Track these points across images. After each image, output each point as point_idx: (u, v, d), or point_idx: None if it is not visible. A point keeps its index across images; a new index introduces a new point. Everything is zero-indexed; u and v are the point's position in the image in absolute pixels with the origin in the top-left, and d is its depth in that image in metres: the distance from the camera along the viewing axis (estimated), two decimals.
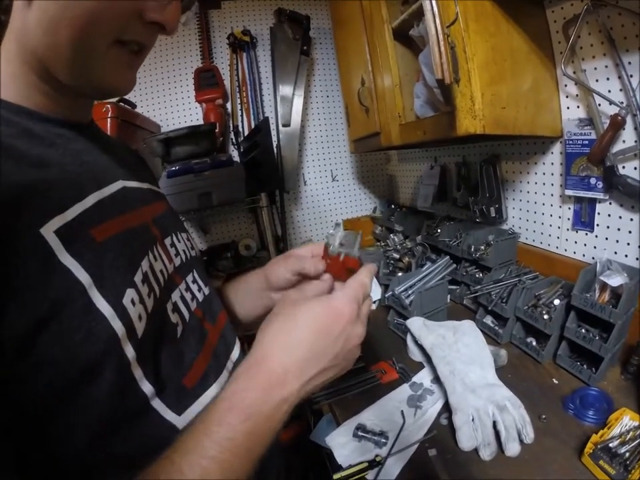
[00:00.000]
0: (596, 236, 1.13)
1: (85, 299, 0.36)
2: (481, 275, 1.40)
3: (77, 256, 0.37)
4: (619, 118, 0.94)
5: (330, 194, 2.48)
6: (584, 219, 1.14)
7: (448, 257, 1.48)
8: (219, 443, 0.37)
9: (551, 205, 1.27)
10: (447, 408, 0.93)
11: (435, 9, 0.78)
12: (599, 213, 1.10)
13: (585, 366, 0.97)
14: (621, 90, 0.95)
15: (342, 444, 0.88)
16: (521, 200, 1.41)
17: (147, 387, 0.42)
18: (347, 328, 0.47)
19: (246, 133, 2.21)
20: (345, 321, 0.47)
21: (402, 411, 0.95)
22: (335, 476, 0.78)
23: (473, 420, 0.84)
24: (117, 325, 0.38)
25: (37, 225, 0.34)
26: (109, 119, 1.51)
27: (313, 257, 0.65)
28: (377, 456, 0.82)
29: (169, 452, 0.36)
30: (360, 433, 0.88)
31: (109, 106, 1.52)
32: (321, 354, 0.45)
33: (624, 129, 0.96)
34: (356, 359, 0.50)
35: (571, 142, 1.10)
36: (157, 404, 0.43)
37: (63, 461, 0.36)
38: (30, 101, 0.43)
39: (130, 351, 0.39)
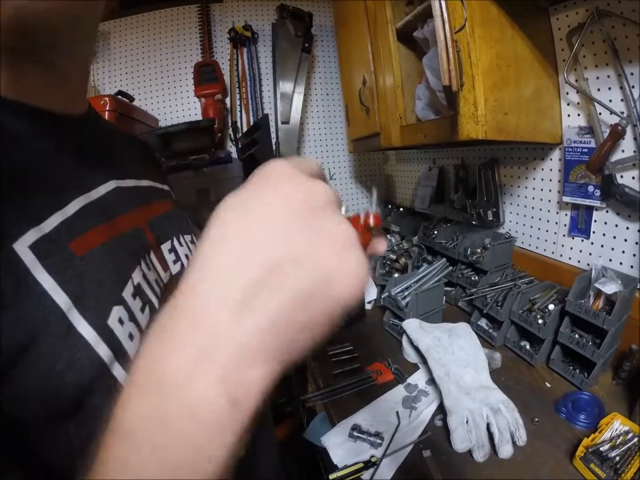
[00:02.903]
0: (592, 243, 1.14)
1: (65, 324, 0.32)
2: (476, 277, 1.41)
3: (55, 273, 0.32)
4: (619, 128, 0.95)
5: None
6: (580, 226, 1.16)
7: (444, 259, 1.48)
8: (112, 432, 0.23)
9: (548, 211, 1.29)
10: (441, 409, 0.94)
11: (445, 15, 0.78)
12: (595, 221, 1.11)
13: (577, 370, 0.98)
14: (622, 100, 0.97)
15: (338, 444, 0.89)
16: (518, 204, 1.42)
17: None
18: (281, 187, 0.25)
19: (244, 129, 2.19)
20: (270, 182, 0.26)
21: (397, 412, 0.96)
22: (331, 476, 0.79)
23: (467, 422, 0.85)
24: (102, 350, 0.34)
25: (10, 239, 0.30)
26: (106, 112, 1.49)
27: None
28: (372, 456, 0.83)
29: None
30: (355, 434, 0.89)
31: (106, 98, 1.51)
32: (254, 240, 0.23)
33: (623, 139, 0.97)
34: (359, 264, 0.24)
35: (570, 149, 1.12)
36: None
37: (55, 472, 0.34)
38: (13, 91, 0.37)
39: (121, 374, 0.35)
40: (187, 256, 0.57)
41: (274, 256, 0.23)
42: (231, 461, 0.22)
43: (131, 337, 0.38)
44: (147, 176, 0.58)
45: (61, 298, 0.32)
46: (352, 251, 0.25)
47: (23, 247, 0.31)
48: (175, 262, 0.54)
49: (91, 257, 0.37)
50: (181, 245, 0.57)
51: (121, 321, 0.37)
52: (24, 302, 0.30)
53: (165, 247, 0.53)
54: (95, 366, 0.33)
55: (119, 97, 1.71)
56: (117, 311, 0.37)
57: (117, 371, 0.35)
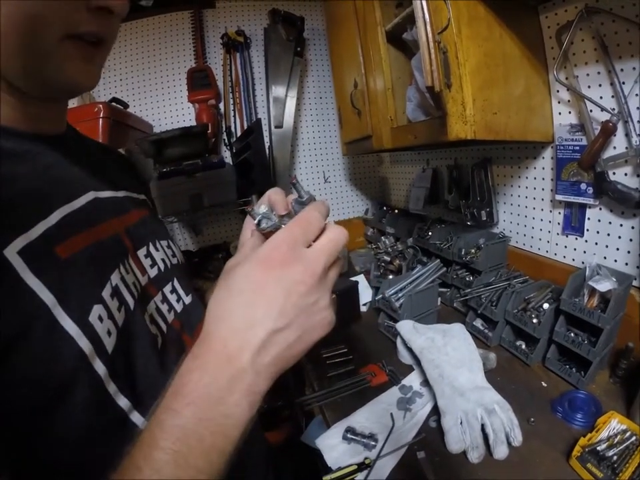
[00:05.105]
0: (586, 241, 1.14)
1: (50, 319, 0.36)
2: (471, 278, 1.41)
3: (41, 275, 0.36)
4: (610, 124, 0.95)
5: (322, 195, 2.47)
6: (574, 224, 1.15)
7: (438, 259, 1.48)
8: (167, 431, 0.33)
9: (542, 210, 1.28)
10: (435, 411, 0.93)
11: (427, 16, 0.77)
12: (588, 218, 1.11)
13: (573, 369, 0.98)
14: (612, 96, 0.96)
15: (332, 446, 0.88)
16: (511, 204, 1.42)
17: (123, 402, 0.42)
18: (283, 275, 0.37)
19: (238, 133, 2.19)
20: (275, 266, 0.37)
21: (391, 414, 0.95)
22: (325, 478, 0.78)
23: (461, 423, 0.85)
24: (84, 343, 0.38)
25: (0, 247, 0.34)
26: (100, 119, 1.49)
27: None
28: (366, 458, 0.82)
29: (130, 446, 0.34)
30: (349, 435, 0.88)
31: (100, 106, 1.51)
32: (261, 314, 0.36)
33: (615, 136, 0.97)
34: (326, 320, 0.40)
35: (562, 147, 1.11)
36: (136, 417, 0.43)
37: (39, 465, 0.36)
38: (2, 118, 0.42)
39: (100, 368, 0.39)
40: (163, 260, 0.61)
41: (273, 326, 0.36)
42: (241, 439, 0.35)
43: (109, 333, 0.42)
44: (124, 187, 0.61)
45: (47, 297, 0.36)
46: (325, 313, 0.39)
47: (12, 253, 0.35)
48: (151, 266, 0.58)
49: (74, 259, 0.41)
50: (157, 249, 0.61)
51: (100, 318, 0.41)
52: (15, 302, 0.34)
53: (141, 253, 0.57)
54: (77, 357, 0.38)
55: (113, 103, 1.70)
56: (97, 309, 0.41)
57: (97, 365, 0.39)
